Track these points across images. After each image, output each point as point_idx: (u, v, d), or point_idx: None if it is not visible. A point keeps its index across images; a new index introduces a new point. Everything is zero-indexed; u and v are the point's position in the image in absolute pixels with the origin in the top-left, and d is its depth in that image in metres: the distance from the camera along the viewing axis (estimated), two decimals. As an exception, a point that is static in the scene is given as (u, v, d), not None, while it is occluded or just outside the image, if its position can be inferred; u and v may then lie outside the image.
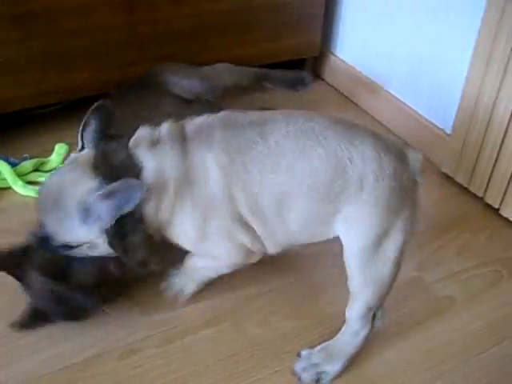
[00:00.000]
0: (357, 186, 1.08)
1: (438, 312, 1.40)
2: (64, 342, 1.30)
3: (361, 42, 2.09)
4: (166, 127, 1.16)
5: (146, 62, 1.87)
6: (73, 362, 1.27)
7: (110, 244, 1.13)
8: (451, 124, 1.74)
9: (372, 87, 2.05)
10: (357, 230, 1.12)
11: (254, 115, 1.16)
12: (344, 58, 2.19)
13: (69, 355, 1.28)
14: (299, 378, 1.23)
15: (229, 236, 1.18)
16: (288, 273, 1.47)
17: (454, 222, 1.64)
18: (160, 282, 1.39)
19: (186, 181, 1.12)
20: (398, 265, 1.15)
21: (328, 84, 2.27)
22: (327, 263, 1.50)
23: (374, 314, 1.20)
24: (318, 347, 1.25)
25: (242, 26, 1.99)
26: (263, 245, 1.21)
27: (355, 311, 1.19)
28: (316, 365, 1.22)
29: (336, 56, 2.22)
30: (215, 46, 1.99)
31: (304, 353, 1.25)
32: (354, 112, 2.11)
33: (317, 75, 2.30)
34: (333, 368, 1.22)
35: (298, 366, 1.23)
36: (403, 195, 1.10)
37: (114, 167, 1.11)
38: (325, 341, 1.28)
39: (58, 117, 1.94)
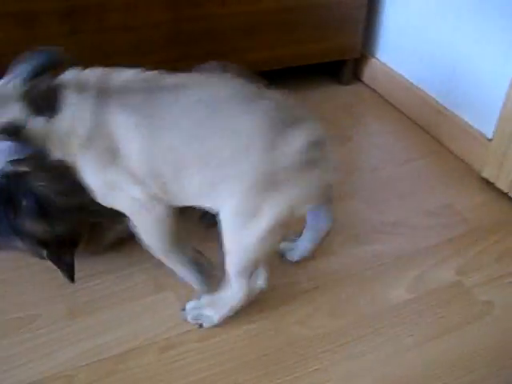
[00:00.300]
0: (238, 160, 1.10)
1: (477, 317, 1.38)
2: (104, 333, 1.32)
3: (401, 44, 2.08)
4: (94, 76, 1.18)
5: (189, 60, 1.87)
6: (112, 353, 1.28)
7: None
8: (492, 129, 1.72)
9: (412, 90, 2.04)
10: (231, 201, 1.14)
11: (169, 78, 1.21)
12: (384, 61, 2.18)
13: (109, 347, 1.29)
14: (186, 317, 1.32)
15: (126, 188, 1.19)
16: (328, 272, 1.47)
17: (495, 227, 1.63)
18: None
19: (96, 133, 1.15)
20: (266, 239, 1.17)
21: (367, 86, 2.27)
22: (367, 265, 1.50)
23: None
24: (209, 295, 1.31)
25: (285, 25, 1.99)
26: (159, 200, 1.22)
27: (229, 268, 1.23)
28: (201, 308, 1.31)
29: (376, 58, 2.22)
30: (259, 44, 2.00)
31: (200, 296, 1.33)
32: (393, 115, 2.11)
33: (356, 77, 2.28)
34: (213, 316, 1.31)
35: (189, 305, 1.33)
36: (285, 175, 1.11)
37: (39, 98, 1.14)
38: (364, 343, 1.30)
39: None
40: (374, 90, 2.24)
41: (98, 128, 1.14)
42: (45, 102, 1.14)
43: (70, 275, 1.28)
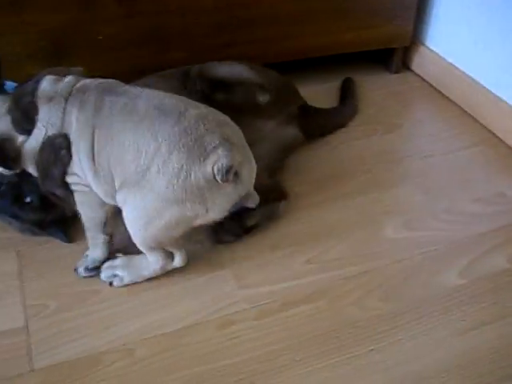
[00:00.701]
0: (142, 174, 1.19)
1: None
2: (163, 309, 1.35)
3: (452, 32, 2.08)
4: (63, 84, 1.31)
5: (241, 45, 1.91)
6: (171, 329, 1.30)
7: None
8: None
9: (462, 79, 2.03)
10: (138, 202, 1.23)
11: (120, 86, 1.30)
12: (434, 49, 2.17)
13: (168, 322, 1.31)
14: (100, 274, 1.39)
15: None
16: (382, 256, 1.48)
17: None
18: (255, 257, 1.44)
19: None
20: (165, 231, 1.27)
21: (416, 75, 2.26)
22: (420, 250, 1.50)
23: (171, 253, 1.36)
24: (127, 256, 1.40)
25: (337, 12, 1.99)
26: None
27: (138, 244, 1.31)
28: (115, 268, 1.38)
29: (426, 46, 2.21)
30: (311, 30, 2.00)
31: (117, 255, 1.42)
32: (442, 103, 2.10)
33: (405, 65, 2.27)
34: (124, 277, 1.38)
35: (105, 264, 1.40)
36: (183, 191, 1.18)
37: (19, 112, 1.29)
38: (417, 326, 1.31)
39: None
40: (422, 78, 2.24)
41: (63, 126, 1.27)
42: (23, 119, 1.29)
43: (62, 239, 1.49)
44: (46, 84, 1.30)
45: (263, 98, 1.58)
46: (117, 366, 1.23)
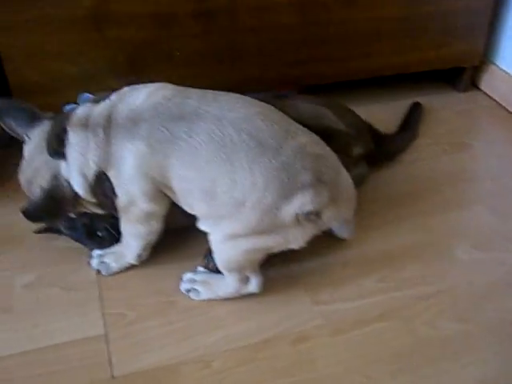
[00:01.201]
0: (236, 206, 1.22)
1: None
2: (239, 322, 1.37)
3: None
4: (98, 109, 1.30)
5: (314, 63, 1.93)
6: (248, 342, 1.32)
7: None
8: None
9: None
10: (226, 230, 1.27)
11: (190, 106, 1.25)
12: (505, 68, 2.16)
13: (244, 336, 1.34)
14: (188, 290, 1.43)
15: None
16: (453, 277, 1.49)
17: None
18: (328, 274, 1.46)
19: (107, 163, 1.29)
20: (247, 255, 1.31)
21: (485, 94, 2.25)
22: (492, 271, 1.51)
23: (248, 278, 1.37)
24: (207, 273, 1.45)
25: (409, 32, 2.00)
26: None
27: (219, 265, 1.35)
28: (195, 282, 1.42)
29: (496, 65, 2.20)
30: (382, 50, 2.02)
31: (199, 269, 1.46)
32: (512, 123, 2.08)
33: (474, 84, 2.27)
34: (201, 293, 1.41)
35: (186, 276, 1.44)
36: (271, 224, 1.23)
37: (50, 141, 1.33)
38: (491, 350, 1.31)
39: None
40: (492, 98, 2.22)
41: (109, 157, 1.28)
42: (55, 148, 1.33)
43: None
44: (83, 109, 1.33)
45: (357, 151, 1.59)
46: (195, 376, 1.25)
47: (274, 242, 1.27)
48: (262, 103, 1.31)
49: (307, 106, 1.62)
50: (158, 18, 1.73)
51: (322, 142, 1.31)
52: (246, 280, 1.37)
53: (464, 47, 2.12)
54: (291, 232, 1.24)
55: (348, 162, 1.47)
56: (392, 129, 1.96)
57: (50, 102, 1.73)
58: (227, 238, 1.27)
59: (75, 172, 1.31)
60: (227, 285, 1.38)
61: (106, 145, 1.27)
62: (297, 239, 1.27)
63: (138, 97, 1.28)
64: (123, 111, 1.27)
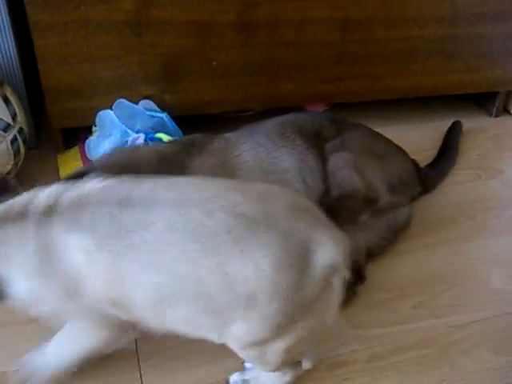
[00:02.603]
0: (246, 304, 0.95)
1: None
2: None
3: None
4: (42, 196, 1.02)
5: (351, 80, 1.92)
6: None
7: None
8: None
9: None
10: (242, 338, 1.01)
11: (144, 190, 1.00)
12: (539, 95, 2.13)
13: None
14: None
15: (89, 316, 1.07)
16: (490, 307, 1.46)
17: None
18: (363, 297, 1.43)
19: (46, 258, 0.98)
20: (286, 353, 1.06)
21: (517, 120, 2.22)
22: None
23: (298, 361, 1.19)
24: (253, 371, 1.21)
25: (445, 53, 1.99)
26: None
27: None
28: (245, 381, 1.21)
29: (527, 91, 2.17)
30: (417, 70, 2.00)
31: (246, 365, 1.23)
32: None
33: (506, 109, 2.25)
34: None
35: (233, 378, 1.23)
36: (299, 309, 0.97)
37: None
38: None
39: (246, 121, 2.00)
40: (523, 124, 2.20)
41: (48, 250, 0.97)
42: None
43: None
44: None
45: (363, 218, 1.52)
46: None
47: (312, 324, 1.02)
48: (228, 182, 1.08)
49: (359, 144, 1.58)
50: (198, 26, 1.71)
51: (302, 195, 1.25)
52: (298, 364, 1.19)
53: (498, 72, 2.10)
54: (325, 299, 1.00)
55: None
56: (423, 151, 1.93)
57: (83, 106, 1.71)
58: (251, 345, 1.03)
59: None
60: (280, 375, 1.18)
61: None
62: (333, 306, 1.03)
63: (93, 180, 1.03)
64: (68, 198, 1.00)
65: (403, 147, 1.68)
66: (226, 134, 1.56)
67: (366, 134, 1.63)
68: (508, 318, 1.43)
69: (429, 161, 1.79)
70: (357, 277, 1.44)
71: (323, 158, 1.53)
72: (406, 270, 1.51)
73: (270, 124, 1.59)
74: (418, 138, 2.06)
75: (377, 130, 1.72)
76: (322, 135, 1.57)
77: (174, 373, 1.27)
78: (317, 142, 1.55)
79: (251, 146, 1.52)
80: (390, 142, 1.66)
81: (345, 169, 1.49)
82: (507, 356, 1.34)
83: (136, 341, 1.31)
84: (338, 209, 1.42)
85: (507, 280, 1.53)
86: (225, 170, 1.47)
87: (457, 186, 1.85)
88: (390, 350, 1.34)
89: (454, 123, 2.04)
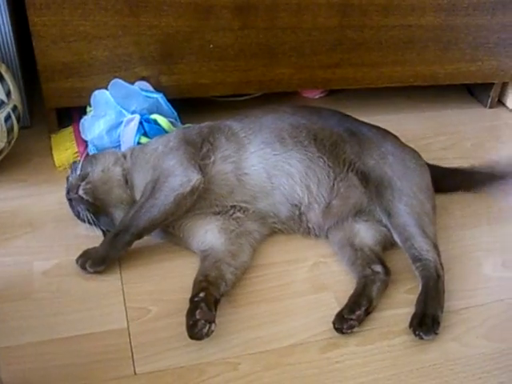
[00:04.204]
0: None
1: None
2: (266, 326, 1.34)
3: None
4: None
5: (348, 67, 1.91)
6: (276, 346, 1.29)
7: None
8: None
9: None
10: None
11: None
12: (532, 86, 2.13)
13: (271, 339, 1.31)
14: None
15: None
16: (482, 293, 1.47)
17: None
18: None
19: None
20: None
21: (511, 111, 2.22)
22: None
23: None
24: None
25: (442, 42, 1.99)
26: None
27: None
28: None
29: (524, 83, 2.17)
30: (413, 59, 2.01)
31: None
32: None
33: (500, 101, 2.25)
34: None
35: None
36: None
37: None
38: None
39: (244, 106, 2.00)
40: (517, 116, 2.20)
41: None
42: None
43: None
44: None
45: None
46: (221, 378, 1.22)
47: None
48: None
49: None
50: (197, 8, 1.71)
51: None
52: None
53: (494, 63, 2.11)
54: None
55: None
56: (417, 139, 1.91)
57: (78, 86, 1.71)
58: None
59: None
60: None
61: None
62: None
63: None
64: None
65: (398, 135, 1.68)
66: (234, 125, 1.56)
67: (394, 152, 1.59)
68: (499, 304, 1.44)
69: (423, 150, 1.77)
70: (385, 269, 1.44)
71: (337, 173, 1.53)
72: (400, 255, 1.50)
73: (282, 122, 1.57)
74: (413, 126, 2.07)
75: (372, 118, 1.72)
76: (341, 148, 1.55)
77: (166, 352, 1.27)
78: (334, 155, 1.54)
79: (258, 145, 1.51)
80: (407, 146, 1.65)
81: (418, 233, 1.46)
82: (498, 342, 1.34)
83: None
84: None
85: (499, 268, 1.54)
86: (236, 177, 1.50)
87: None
88: (381, 333, 1.34)
89: None
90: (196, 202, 1.45)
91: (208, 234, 1.45)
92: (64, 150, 1.77)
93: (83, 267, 1.40)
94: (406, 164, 1.55)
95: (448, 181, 1.72)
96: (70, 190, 1.48)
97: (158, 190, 1.41)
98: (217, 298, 1.30)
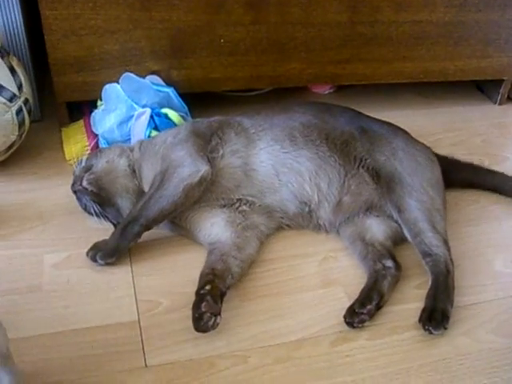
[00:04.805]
0: None
1: None
2: (275, 319, 1.34)
3: None
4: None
5: (359, 62, 1.91)
6: (285, 340, 1.30)
7: None
8: None
9: None
10: None
11: None
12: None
13: (281, 333, 1.31)
14: None
15: None
16: (492, 289, 1.47)
17: None
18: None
19: None
20: None
21: (521, 108, 2.23)
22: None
23: None
24: None
25: (453, 38, 1.99)
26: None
27: None
28: None
29: (533, 80, 2.17)
30: (423, 55, 2.01)
31: None
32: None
33: (510, 98, 2.26)
34: None
35: None
36: None
37: None
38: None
39: (255, 101, 2.01)
40: (527, 112, 2.20)
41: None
42: None
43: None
44: None
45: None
46: (230, 371, 1.22)
47: None
48: None
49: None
50: (208, 2, 1.71)
51: None
52: None
53: (504, 59, 2.11)
54: None
55: None
56: (427, 135, 1.90)
57: (89, 80, 1.72)
58: None
59: None
60: None
61: None
62: None
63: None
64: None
65: (408, 131, 1.68)
66: (245, 121, 1.57)
67: (405, 148, 1.59)
68: (509, 300, 1.44)
69: (433, 146, 1.78)
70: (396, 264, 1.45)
71: (348, 170, 1.53)
72: (410, 251, 1.50)
73: (293, 121, 1.57)
74: (423, 122, 2.08)
75: (382, 113, 1.73)
76: (352, 146, 1.55)
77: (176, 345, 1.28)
78: (345, 153, 1.54)
79: (268, 142, 1.52)
80: (418, 142, 1.65)
81: (428, 228, 1.47)
82: (508, 338, 1.34)
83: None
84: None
85: (510, 264, 1.54)
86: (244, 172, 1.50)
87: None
88: (391, 328, 1.34)
89: None
90: (203, 194, 1.45)
91: (214, 227, 1.46)
92: (74, 143, 1.78)
93: (94, 259, 1.40)
94: (416, 160, 1.54)
95: (461, 175, 1.73)
96: (75, 182, 1.50)
97: (167, 180, 1.42)
98: (223, 290, 1.31)
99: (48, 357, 1.22)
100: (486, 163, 1.89)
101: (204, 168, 1.43)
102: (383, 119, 1.67)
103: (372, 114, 1.68)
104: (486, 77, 2.14)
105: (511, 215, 1.70)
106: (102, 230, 1.49)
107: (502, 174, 1.75)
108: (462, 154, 1.89)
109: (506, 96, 2.22)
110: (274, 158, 1.49)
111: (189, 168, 1.43)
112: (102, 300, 1.36)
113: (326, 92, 2.20)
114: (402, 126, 1.68)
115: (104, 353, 1.24)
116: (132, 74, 1.66)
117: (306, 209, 1.50)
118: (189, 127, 1.55)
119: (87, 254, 1.42)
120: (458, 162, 1.73)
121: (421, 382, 1.23)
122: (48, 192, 1.64)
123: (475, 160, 1.87)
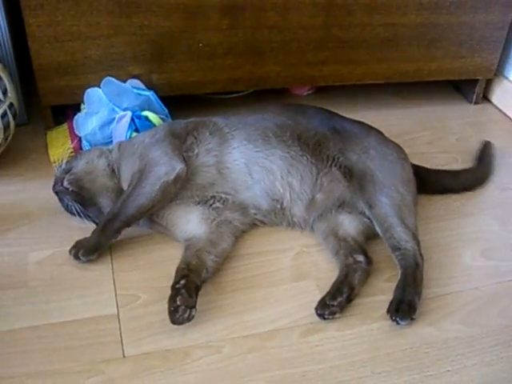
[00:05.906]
0: None
1: None
2: (249, 312, 1.40)
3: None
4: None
5: (334, 64, 1.96)
6: (258, 331, 1.35)
7: None
8: None
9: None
10: None
11: None
12: (517, 83, 2.17)
13: (254, 324, 1.37)
14: None
15: None
16: (460, 281, 1.52)
17: None
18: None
19: None
20: None
21: (496, 107, 2.29)
22: (496, 279, 1.54)
23: None
24: None
25: (426, 40, 2.04)
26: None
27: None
28: None
29: (509, 80, 2.24)
30: (397, 56, 2.06)
31: None
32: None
33: (485, 97, 2.31)
34: None
35: None
36: None
37: None
38: (494, 353, 1.34)
39: (234, 103, 2.09)
40: (502, 111, 2.26)
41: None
42: None
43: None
44: None
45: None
46: (204, 361, 1.28)
47: None
48: None
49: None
50: (186, 8, 1.76)
51: None
52: None
53: (479, 60, 2.16)
54: None
55: None
56: (402, 135, 1.98)
57: (72, 84, 1.76)
58: None
59: None
60: None
61: None
62: None
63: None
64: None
65: (383, 131, 1.73)
66: (220, 121, 1.62)
67: (376, 146, 1.64)
68: (475, 292, 1.49)
69: (409, 144, 1.81)
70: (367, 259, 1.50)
71: (321, 169, 1.58)
72: (382, 245, 1.55)
73: (267, 122, 1.62)
74: (399, 122, 2.13)
75: (360, 113, 1.79)
76: (325, 146, 1.60)
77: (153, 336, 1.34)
78: (317, 152, 1.59)
79: (241, 141, 1.58)
80: (389, 141, 1.70)
81: (398, 223, 1.51)
82: (473, 327, 1.39)
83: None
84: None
85: (477, 257, 1.59)
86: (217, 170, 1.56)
87: (435, 167, 1.88)
88: (360, 319, 1.39)
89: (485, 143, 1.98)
90: (179, 191, 1.52)
91: (189, 224, 1.52)
92: (58, 146, 1.82)
93: (76, 257, 1.45)
94: (387, 158, 1.60)
95: (434, 183, 1.79)
96: (56, 184, 1.55)
97: (144, 178, 1.48)
98: (198, 284, 1.36)
99: (30, 348, 1.28)
100: (460, 160, 1.93)
101: (179, 166, 1.48)
102: (360, 119, 1.72)
103: (349, 114, 1.73)
104: (461, 77, 2.19)
105: (480, 211, 1.76)
106: (84, 228, 1.54)
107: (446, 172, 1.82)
108: (436, 153, 1.95)
109: (481, 95, 2.27)
110: (247, 157, 1.55)
111: (165, 166, 1.48)
112: (83, 295, 1.41)
113: (305, 93, 2.25)
114: (379, 126, 1.73)
115: (84, 344, 1.29)
116: (113, 79, 1.71)
117: (278, 206, 1.55)
118: (166, 128, 1.61)
119: (70, 251, 1.47)
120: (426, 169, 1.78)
121: (387, 370, 1.28)
122: (33, 193, 1.68)
123: (449, 158, 1.92)
